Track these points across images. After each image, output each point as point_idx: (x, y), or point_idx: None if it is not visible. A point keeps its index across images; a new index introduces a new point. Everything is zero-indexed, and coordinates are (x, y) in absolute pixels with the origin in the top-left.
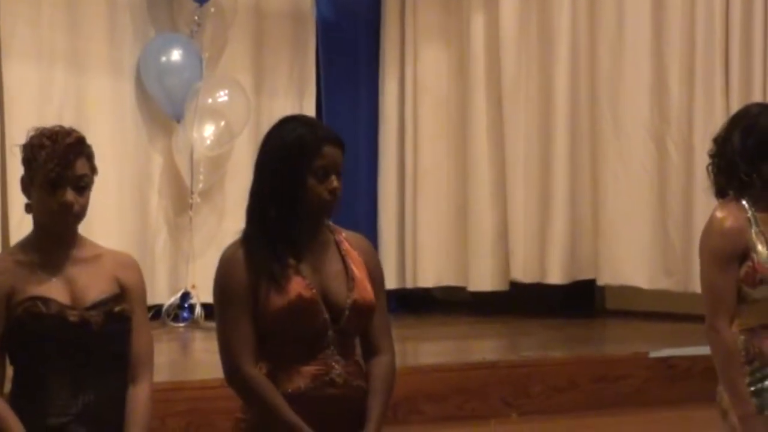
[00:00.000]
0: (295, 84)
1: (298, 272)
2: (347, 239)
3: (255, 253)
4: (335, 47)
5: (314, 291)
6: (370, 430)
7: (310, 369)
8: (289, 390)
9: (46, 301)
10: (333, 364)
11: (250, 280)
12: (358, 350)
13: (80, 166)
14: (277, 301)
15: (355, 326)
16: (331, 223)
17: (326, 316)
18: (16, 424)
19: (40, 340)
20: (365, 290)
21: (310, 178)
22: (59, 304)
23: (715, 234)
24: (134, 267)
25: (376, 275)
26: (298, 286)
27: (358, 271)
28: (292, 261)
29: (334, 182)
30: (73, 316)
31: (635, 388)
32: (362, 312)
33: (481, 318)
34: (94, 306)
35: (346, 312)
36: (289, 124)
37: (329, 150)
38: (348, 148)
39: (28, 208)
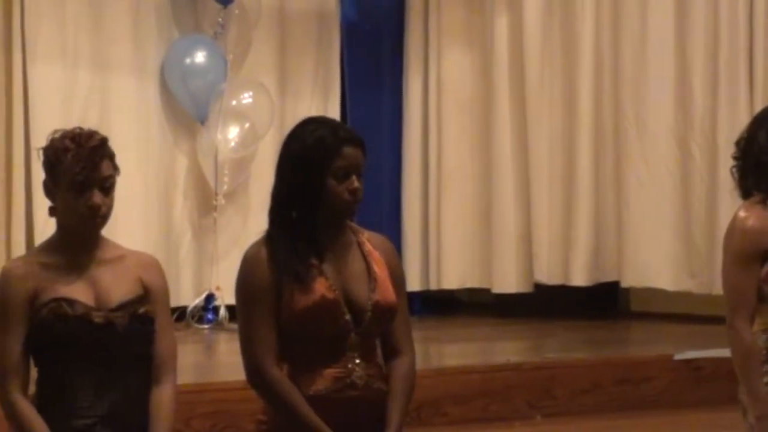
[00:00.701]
0: (319, 85)
1: (321, 273)
2: (369, 240)
3: (278, 252)
4: (359, 48)
5: (337, 292)
6: None
7: (331, 371)
8: (310, 392)
9: (71, 302)
10: (354, 366)
11: (273, 278)
12: (379, 352)
13: (105, 168)
14: (301, 301)
15: (377, 328)
16: (353, 223)
17: (348, 317)
18: (42, 426)
19: (65, 342)
20: (387, 291)
21: (331, 179)
22: (84, 306)
23: (737, 233)
24: (157, 268)
25: (397, 276)
26: (321, 286)
27: (380, 272)
28: (315, 261)
29: (355, 183)
30: (98, 318)
31: (660, 390)
32: (384, 313)
33: (505, 320)
34: (119, 307)
35: (368, 313)
36: (309, 125)
37: (349, 151)
38: (372, 150)
39: (52, 211)
